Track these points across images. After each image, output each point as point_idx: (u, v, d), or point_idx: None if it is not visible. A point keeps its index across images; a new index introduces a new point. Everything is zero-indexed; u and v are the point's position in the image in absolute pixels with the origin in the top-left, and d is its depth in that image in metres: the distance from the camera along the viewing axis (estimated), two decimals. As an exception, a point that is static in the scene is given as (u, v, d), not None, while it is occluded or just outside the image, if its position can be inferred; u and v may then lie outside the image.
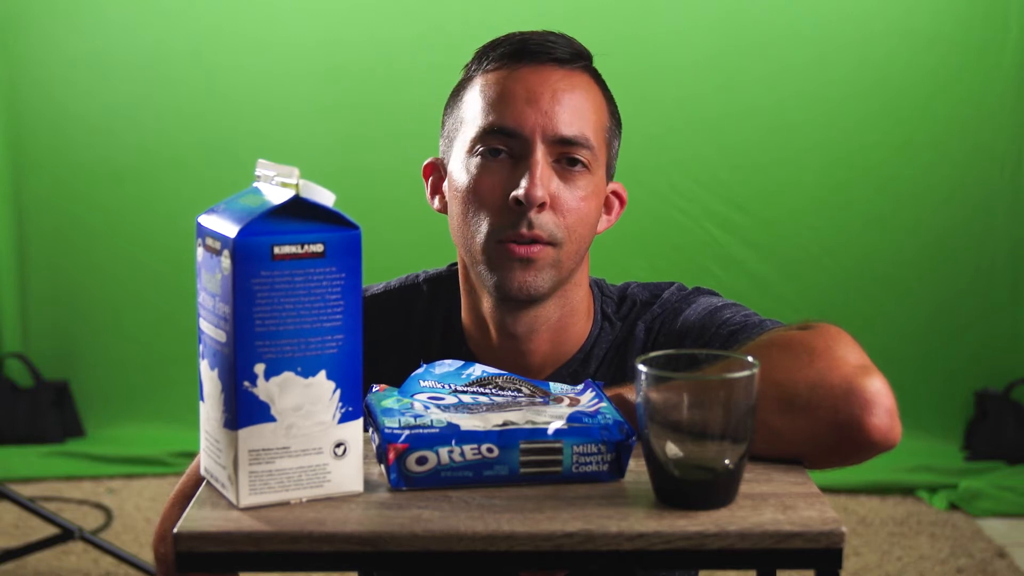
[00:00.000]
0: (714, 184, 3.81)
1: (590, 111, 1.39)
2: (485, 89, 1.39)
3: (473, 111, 1.39)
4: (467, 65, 1.44)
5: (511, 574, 1.15)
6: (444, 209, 1.46)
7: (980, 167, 3.78)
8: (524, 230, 1.34)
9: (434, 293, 1.50)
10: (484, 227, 1.36)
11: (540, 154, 1.35)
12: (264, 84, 3.86)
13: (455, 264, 1.50)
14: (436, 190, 1.47)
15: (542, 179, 1.34)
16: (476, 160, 1.37)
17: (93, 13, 3.85)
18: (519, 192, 1.34)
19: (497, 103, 1.37)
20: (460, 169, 1.39)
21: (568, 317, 1.43)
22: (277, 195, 1.05)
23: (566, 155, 1.37)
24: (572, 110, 1.37)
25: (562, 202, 1.36)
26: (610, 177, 1.45)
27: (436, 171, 1.48)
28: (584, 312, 1.46)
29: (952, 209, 3.80)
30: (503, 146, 1.36)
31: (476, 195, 1.37)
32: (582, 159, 1.37)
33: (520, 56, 1.39)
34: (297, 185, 1.03)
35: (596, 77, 1.43)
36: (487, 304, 1.43)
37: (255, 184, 1.10)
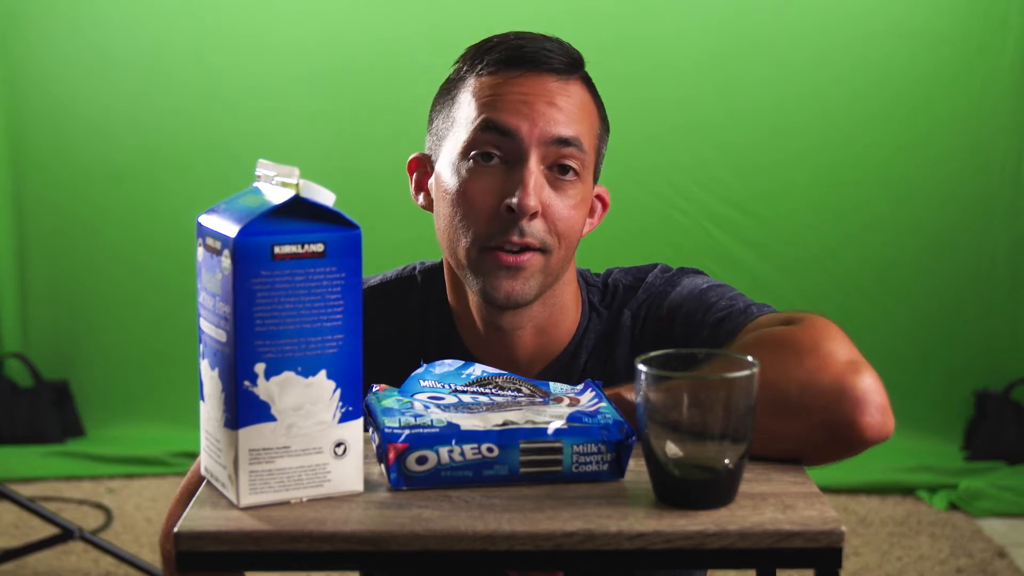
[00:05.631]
0: (714, 184, 3.81)
1: (584, 117, 1.39)
2: (479, 92, 1.38)
3: (466, 113, 1.38)
4: (458, 63, 1.42)
5: (499, 572, 1.15)
6: (429, 206, 1.45)
7: (980, 167, 3.78)
8: (515, 237, 1.34)
9: (429, 284, 1.50)
10: (472, 233, 1.36)
11: (534, 161, 1.35)
12: (264, 84, 3.86)
13: None
14: (421, 186, 1.46)
15: (536, 188, 1.34)
16: (468, 164, 1.37)
17: (93, 13, 3.85)
18: (513, 200, 1.33)
19: (491, 105, 1.36)
20: (450, 172, 1.38)
21: (557, 315, 1.44)
22: (277, 195, 1.05)
23: (559, 161, 1.36)
24: (567, 114, 1.37)
25: (553, 211, 1.36)
26: (595, 181, 1.45)
27: (421, 166, 1.47)
28: (572, 308, 1.46)
29: (952, 209, 3.80)
30: (496, 149, 1.36)
31: (466, 200, 1.36)
32: (574, 166, 1.37)
33: (516, 63, 1.38)
34: (297, 185, 1.03)
35: (589, 84, 1.43)
36: (473, 300, 1.43)
37: (255, 184, 1.11)
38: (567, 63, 1.39)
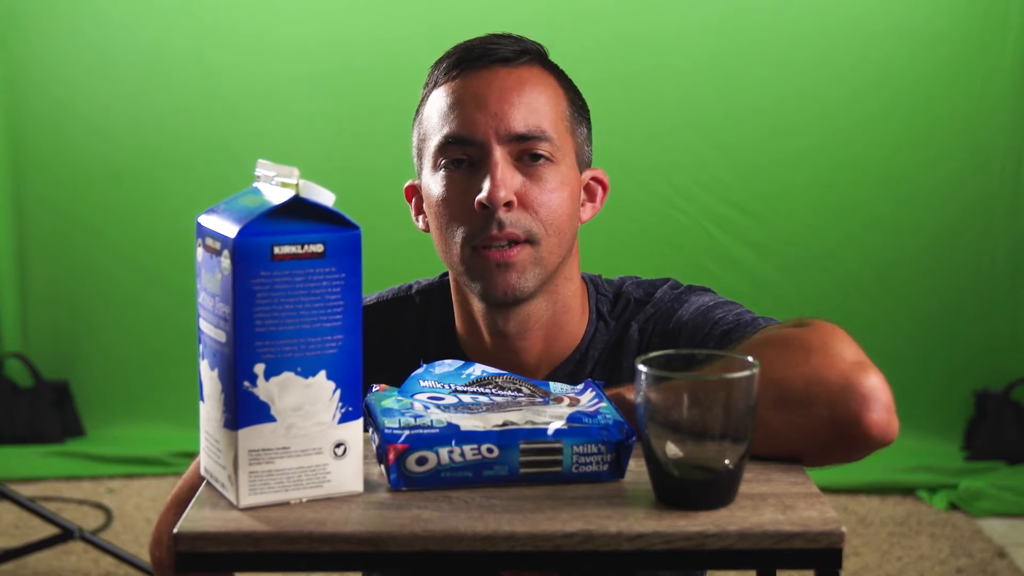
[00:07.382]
0: (714, 184, 3.81)
1: (543, 103, 1.39)
2: (437, 102, 1.40)
3: (431, 126, 1.41)
4: (425, 83, 1.45)
5: (493, 573, 1.15)
6: (428, 228, 1.46)
7: (980, 167, 3.78)
8: (495, 231, 1.35)
9: (427, 304, 1.51)
10: (458, 236, 1.38)
11: (498, 155, 1.36)
12: (264, 84, 3.86)
13: (447, 274, 1.51)
14: (419, 210, 1.48)
15: (503, 179, 1.35)
16: (441, 173, 1.39)
17: (93, 13, 3.85)
18: (482, 196, 1.35)
19: (448, 114, 1.39)
20: (430, 184, 1.41)
21: (562, 314, 1.44)
22: (277, 195, 1.05)
23: (526, 151, 1.37)
24: (523, 106, 1.38)
25: (531, 198, 1.37)
26: (586, 164, 1.46)
27: (416, 192, 1.49)
28: (578, 309, 1.46)
29: (952, 209, 3.80)
30: (462, 155, 1.38)
31: (447, 207, 1.39)
32: (543, 152, 1.38)
33: (464, 64, 1.40)
34: (297, 185, 1.03)
35: (550, 68, 1.43)
36: (477, 307, 1.43)
37: (255, 184, 1.10)
38: (516, 51, 1.40)
